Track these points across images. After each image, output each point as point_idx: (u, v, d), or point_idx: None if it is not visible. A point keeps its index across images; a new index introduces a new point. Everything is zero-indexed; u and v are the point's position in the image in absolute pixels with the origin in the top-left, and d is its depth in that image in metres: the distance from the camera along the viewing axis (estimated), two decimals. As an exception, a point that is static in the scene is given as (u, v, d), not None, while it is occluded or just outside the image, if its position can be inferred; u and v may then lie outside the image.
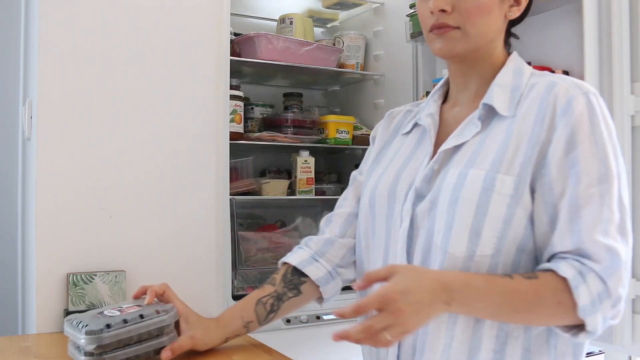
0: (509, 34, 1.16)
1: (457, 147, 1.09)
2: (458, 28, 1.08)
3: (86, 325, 1.14)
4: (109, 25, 1.61)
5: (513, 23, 1.15)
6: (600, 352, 2.19)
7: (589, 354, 2.22)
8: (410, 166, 1.16)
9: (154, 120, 1.67)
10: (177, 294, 1.73)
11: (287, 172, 2.31)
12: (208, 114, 1.76)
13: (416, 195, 1.10)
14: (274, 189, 2.11)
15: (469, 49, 1.10)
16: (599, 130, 0.99)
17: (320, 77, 2.39)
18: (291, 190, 2.19)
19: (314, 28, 2.38)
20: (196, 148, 1.74)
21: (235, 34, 2.08)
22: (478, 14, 1.08)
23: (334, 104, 2.61)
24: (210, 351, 1.37)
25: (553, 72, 1.36)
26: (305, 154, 2.18)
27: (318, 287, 1.27)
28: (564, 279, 0.93)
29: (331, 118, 2.24)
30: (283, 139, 2.14)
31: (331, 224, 1.31)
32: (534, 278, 0.96)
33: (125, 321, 1.16)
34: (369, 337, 0.92)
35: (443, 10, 1.07)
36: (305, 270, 1.27)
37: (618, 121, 1.28)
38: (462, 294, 0.95)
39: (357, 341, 0.93)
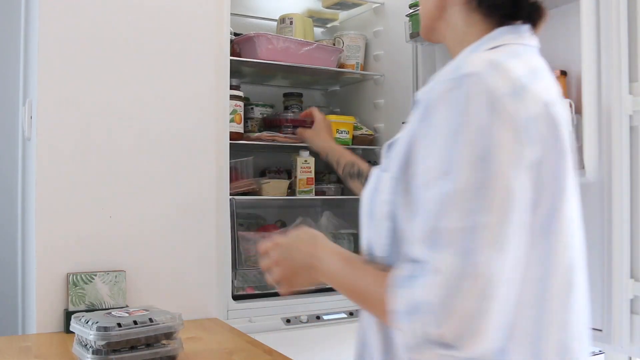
0: (495, 10, 0.99)
1: (392, 144, 1.01)
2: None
3: (96, 322, 1.14)
4: (109, 26, 1.62)
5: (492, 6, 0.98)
6: (600, 352, 2.19)
7: (588, 354, 2.22)
8: None
9: (153, 120, 1.67)
10: (177, 293, 1.74)
11: (287, 172, 2.31)
12: (208, 114, 1.76)
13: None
14: (274, 189, 2.11)
15: (426, 29, 1.09)
16: (451, 118, 0.83)
17: (320, 77, 2.39)
18: (291, 190, 2.18)
19: (314, 28, 2.38)
20: (196, 148, 1.74)
21: (236, 34, 2.08)
22: None
23: (334, 104, 2.61)
24: (210, 351, 1.38)
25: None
26: (305, 154, 2.18)
27: None
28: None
29: (331, 118, 2.24)
30: (283, 139, 2.14)
31: None
32: (380, 269, 0.91)
33: (135, 322, 1.17)
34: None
35: None
36: None
37: (616, 121, 1.28)
38: (326, 269, 0.98)
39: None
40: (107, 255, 1.58)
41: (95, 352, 1.14)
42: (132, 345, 1.17)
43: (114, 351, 1.14)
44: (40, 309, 1.51)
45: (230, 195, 1.83)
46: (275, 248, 1.06)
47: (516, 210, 0.81)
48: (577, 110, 1.34)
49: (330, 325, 1.91)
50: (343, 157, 1.68)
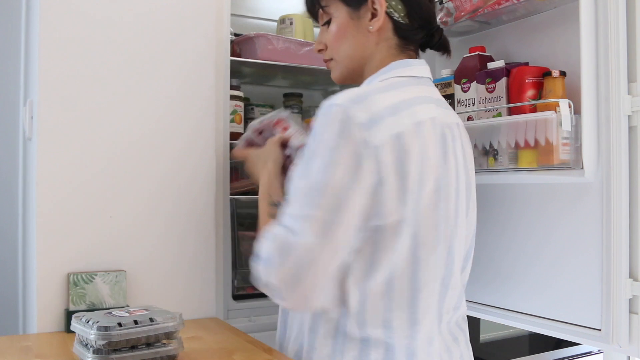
0: (411, 44, 1.25)
1: None
2: (331, 59, 1.29)
3: (97, 322, 1.15)
4: (109, 26, 1.62)
5: (416, 30, 1.23)
6: (599, 352, 2.19)
7: (588, 354, 2.23)
8: None
9: (154, 120, 1.68)
10: (177, 292, 1.75)
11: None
12: (208, 114, 1.77)
13: None
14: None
15: (345, 72, 1.28)
16: (320, 137, 1.08)
17: (320, 77, 2.39)
18: (291, 190, 2.19)
19: (314, 29, 2.38)
20: (196, 148, 1.74)
21: (236, 35, 2.09)
22: (335, 42, 1.26)
23: (334, 104, 2.61)
24: (210, 350, 1.38)
25: (550, 72, 1.37)
26: (305, 154, 2.18)
27: None
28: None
29: (331, 118, 2.24)
30: (283, 139, 2.15)
31: None
32: (273, 215, 1.22)
33: (136, 322, 1.17)
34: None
35: (320, 50, 1.31)
36: None
37: (615, 121, 1.28)
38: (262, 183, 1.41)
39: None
40: (108, 255, 1.58)
41: (96, 351, 1.14)
42: (132, 345, 1.17)
43: (115, 351, 1.15)
44: (41, 308, 1.51)
45: (230, 195, 1.84)
46: (248, 156, 1.54)
47: (345, 214, 1.05)
48: (576, 110, 1.34)
49: (330, 325, 1.91)
50: None
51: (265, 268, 1.09)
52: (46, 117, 1.54)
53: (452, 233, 1.19)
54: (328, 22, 1.28)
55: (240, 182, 2.06)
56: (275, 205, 1.22)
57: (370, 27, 1.21)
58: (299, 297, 1.07)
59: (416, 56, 1.27)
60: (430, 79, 1.26)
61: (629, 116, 1.29)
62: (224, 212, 1.81)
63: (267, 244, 1.10)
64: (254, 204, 2.28)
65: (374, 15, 1.20)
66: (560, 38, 1.44)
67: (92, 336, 1.14)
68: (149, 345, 1.19)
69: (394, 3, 1.20)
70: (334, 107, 1.08)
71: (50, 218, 1.54)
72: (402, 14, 1.21)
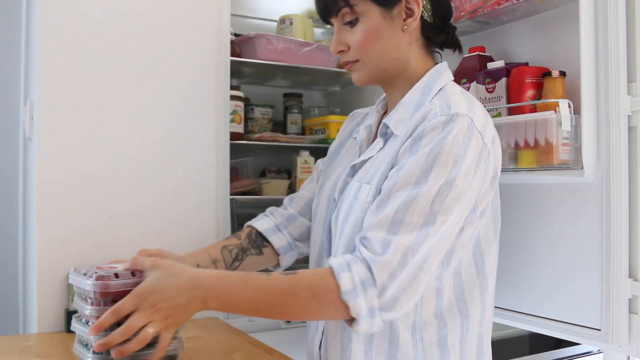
0: (434, 43, 1.24)
1: (364, 161, 1.20)
2: (357, 61, 1.23)
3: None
4: (109, 26, 1.62)
5: (439, 30, 1.23)
6: (599, 352, 2.20)
7: (587, 354, 2.23)
8: (340, 175, 1.28)
9: (154, 120, 1.68)
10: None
11: (287, 172, 2.31)
12: (208, 114, 1.77)
13: (334, 205, 1.23)
14: (274, 189, 2.12)
15: (375, 74, 1.23)
16: (442, 146, 1.04)
17: (320, 77, 2.39)
18: (291, 190, 2.19)
19: (314, 29, 2.38)
20: (196, 148, 1.75)
21: (236, 35, 2.09)
22: (367, 43, 1.19)
23: (334, 104, 2.61)
24: (210, 350, 1.38)
25: (550, 72, 1.37)
26: (305, 154, 2.18)
27: (278, 255, 1.41)
28: (332, 270, 1.01)
29: (332, 118, 2.25)
30: (283, 139, 2.15)
31: (293, 202, 1.48)
32: (292, 274, 1.02)
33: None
34: (131, 336, 0.97)
35: (342, 52, 1.24)
36: (270, 238, 1.41)
37: (615, 121, 1.29)
38: (216, 292, 1.02)
39: (123, 349, 0.97)
40: (108, 255, 1.58)
41: (96, 352, 1.14)
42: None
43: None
44: (41, 308, 1.51)
45: (230, 195, 1.84)
46: (142, 299, 0.99)
47: (462, 217, 1.07)
48: (576, 110, 1.34)
49: (330, 325, 1.92)
50: (197, 258, 1.36)
51: (379, 287, 0.99)
52: (46, 117, 1.54)
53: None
54: (351, 22, 1.20)
55: (240, 182, 2.06)
56: (268, 273, 1.05)
57: (406, 27, 1.18)
58: (408, 300, 1.02)
59: (440, 58, 1.29)
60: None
61: (628, 116, 1.29)
62: (224, 212, 1.81)
63: (374, 263, 1.00)
64: (254, 204, 2.29)
65: (408, 15, 1.17)
66: (560, 38, 1.44)
67: (92, 337, 1.14)
68: (149, 345, 1.19)
69: (424, 2, 1.19)
70: (458, 117, 1.07)
71: (50, 218, 1.54)
72: (429, 13, 1.20)
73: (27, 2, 1.69)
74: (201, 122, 1.76)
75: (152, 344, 1.20)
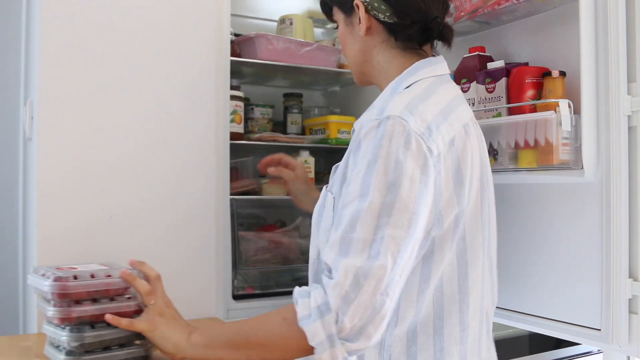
0: (409, 41, 1.19)
1: (337, 166, 1.18)
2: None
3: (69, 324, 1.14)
4: (109, 26, 1.62)
5: (405, 27, 1.17)
6: (599, 352, 2.19)
7: (587, 354, 2.23)
8: None
9: (154, 120, 1.68)
10: (177, 292, 1.74)
11: (288, 172, 2.31)
12: (208, 114, 1.77)
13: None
14: (274, 189, 2.12)
15: (359, 76, 1.28)
16: (377, 153, 0.99)
17: (320, 77, 2.39)
18: (291, 190, 2.19)
19: (314, 29, 2.38)
20: (196, 148, 1.75)
21: (236, 35, 2.09)
22: (342, 48, 1.28)
23: (334, 104, 2.61)
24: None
25: (550, 72, 1.37)
26: (305, 154, 2.18)
27: None
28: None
29: (332, 118, 2.25)
30: (283, 139, 2.15)
31: None
32: (265, 314, 1.04)
33: (109, 323, 1.16)
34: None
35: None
36: None
37: (614, 122, 1.28)
38: (202, 349, 1.09)
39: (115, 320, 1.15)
40: (108, 256, 1.58)
41: (68, 353, 1.13)
42: (105, 346, 1.16)
43: (87, 352, 1.13)
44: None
45: (230, 195, 1.84)
46: (144, 332, 1.17)
47: (417, 229, 0.98)
48: (576, 110, 1.34)
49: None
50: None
51: (335, 313, 0.93)
52: (46, 117, 1.54)
53: (490, 231, 1.18)
54: (336, 28, 1.30)
55: (240, 182, 2.06)
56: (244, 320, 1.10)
57: (360, 32, 1.19)
58: (376, 330, 0.95)
59: (428, 54, 1.21)
60: (450, 75, 1.24)
61: (628, 116, 1.29)
62: (224, 212, 1.81)
63: (327, 286, 0.95)
64: (254, 204, 2.29)
65: (360, 20, 1.19)
66: (560, 38, 1.44)
67: (65, 338, 1.12)
68: (121, 346, 1.18)
69: (376, 4, 1.16)
70: (389, 119, 1.01)
71: (50, 218, 1.54)
72: (387, 14, 1.16)
73: (27, 2, 1.69)
74: (201, 122, 1.76)
75: (124, 344, 1.19)
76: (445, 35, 1.21)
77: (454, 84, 1.23)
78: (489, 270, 1.18)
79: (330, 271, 0.97)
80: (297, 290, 1.00)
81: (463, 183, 1.07)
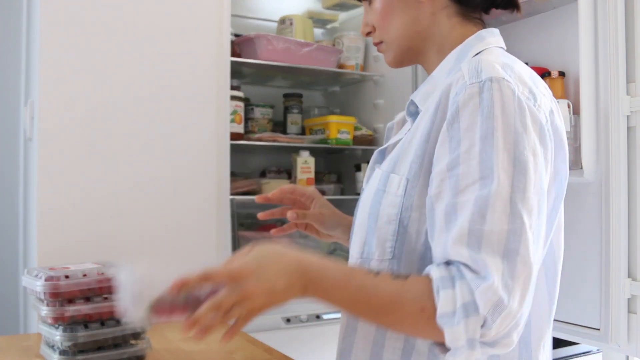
0: (472, 7, 1.02)
1: (393, 145, 1.01)
2: (382, 42, 1.06)
3: (63, 323, 1.13)
4: (110, 27, 1.62)
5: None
6: (598, 351, 2.20)
7: (586, 353, 2.23)
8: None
9: (154, 120, 1.68)
10: (177, 293, 1.73)
11: (287, 172, 2.31)
12: (208, 115, 1.77)
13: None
14: (274, 189, 2.12)
15: (400, 54, 1.05)
16: (492, 125, 0.83)
17: (320, 77, 2.39)
18: (291, 190, 2.19)
19: (314, 29, 2.39)
20: (197, 148, 1.75)
21: (236, 35, 2.09)
22: (383, 21, 1.04)
23: (334, 104, 2.61)
24: (210, 350, 1.38)
25: (549, 72, 1.37)
26: (305, 154, 2.18)
27: None
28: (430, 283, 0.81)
29: (332, 118, 2.25)
30: (283, 139, 2.15)
31: None
32: (401, 278, 0.84)
33: (102, 323, 1.16)
34: (219, 316, 0.81)
35: (369, 33, 1.07)
36: None
37: (614, 122, 1.29)
38: (317, 283, 0.84)
39: (208, 326, 0.81)
40: (108, 256, 1.58)
41: (62, 352, 1.12)
42: (99, 346, 1.16)
43: (81, 352, 1.13)
44: (42, 308, 1.52)
45: (230, 195, 1.84)
46: (240, 277, 0.82)
47: (544, 211, 0.84)
48: (575, 110, 1.34)
49: (329, 325, 1.92)
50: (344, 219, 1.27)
51: (482, 316, 0.77)
52: (47, 118, 1.55)
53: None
54: (369, 0, 1.07)
55: (241, 182, 2.06)
56: (375, 273, 0.85)
57: None
58: (518, 335, 0.81)
59: (484, 25, 1.04)
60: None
61: (627, 116, 1.29)
62: (224, 212, 1.81)
63: (468, 289, 0.79)
64: (254, 204, 2.29)
65: None
66: (559, 38, 1.45)
67: (58, 337, 1.12)
68: (116, 346, 1.18)
69: None
70: (494, 82, 0.84)
71: (50, 218, 1.54)
72: None
73: (28, 4, 1.69)
74: (201, 122, 1.76)
75: (118, 344, 1.18)
76: (511, 1, 1.04)
77: None
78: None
79: (468, 267, 0.80)
80: (438, 274, 0.81)
81: (563, 159, 0.91)
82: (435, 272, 0.81)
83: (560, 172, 0.91)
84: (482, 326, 0.78)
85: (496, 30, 1.02)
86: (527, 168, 0.82)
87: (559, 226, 0.98)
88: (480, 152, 0.82)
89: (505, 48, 1.01)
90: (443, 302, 0.79)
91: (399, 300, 0.82)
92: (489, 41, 0.98)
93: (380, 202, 0.94)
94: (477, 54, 0.95)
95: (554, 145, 0.88)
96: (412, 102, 0.99)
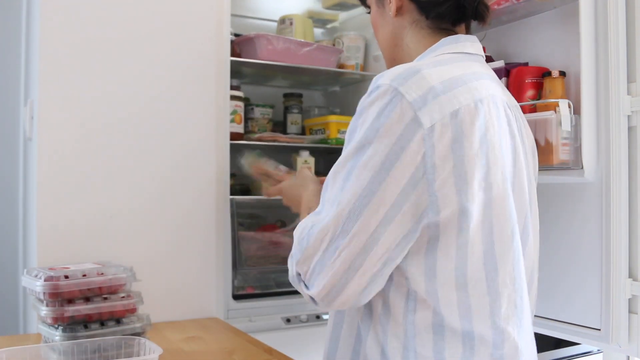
0: (440, 19, 1.09)
1: None
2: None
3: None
4: (109, 26, 1.62)
5: (436, 4, 1.08)
6: (599, 352, 2.19)
7: (587, 353, 2.23)
8: None
9: (154, 120, 1.68)
10: (177, 292, 1.75)
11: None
12: (208, 114, 1.77)
13: None
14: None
15: (389, 63, 1.18)
16: (359, 119, 0.96)
17: (320, 77, 2.39)
18: (291, 190, 2.19)
19: (314, 29, 2.39)
20: (197, 148, 1.75)
21: (236, 35, 2.09)
22: (375, 33, 1.21)
23: (334, 104, 2.61)
24: (210, 350, 1.38)
25: (550, 72, 1.37)
26: (305, 154, 2.18)
27: None
28: None
29: (332, 118, 2.25)
30: (283, 139, 2.15)
31: None
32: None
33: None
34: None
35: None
36: None
37: (614, 122, 1.29)
38: (299, 210, 1.24)
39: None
40: (108, 256, 1.58)
41: (62, 353, 1.13)
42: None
43: (81, 351, 1.12)
44: (41, 308, 1.52)
45: (230, 195, 1.84)
46: (281, 194, 1.38)
47: (374, 200, 0.92)
48: (576, 110, 1.34)
49: (330, 325, 1.92)
50: None
51: (292, 257, 1.01)
52: (46, 117, 1.55)
53: (525, 228, 1.06)
54: (370, 14, 1.23)
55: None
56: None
57: (390, 12, 1.11)
58: (322, 284, 0.95)
59: (461, 34, 1.11)
60: (483, 56, 1.12)
61: (628, 116, 1.29)
62: (224, 212, 1.81)
63: (299, 234, 1.01)
64: (254, 204, 2.30)
65: (389, 0, 1.11)
66: (560, 38, 1.44)
67: (58, 338, 1.13)
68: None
69: None
70: (381, 87, 0.94)
71: (50, 218, 1.54)
72: None
73: (28, 4, 1.69)
74: (201, 122, 1.76)
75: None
76: (481, 13, 1.10)
77: (484, 64, 1.11)
78: (520, 276, 1.04)
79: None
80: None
81: (464, 163, 0.94)
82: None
83: (463, 177, 0.94)
84: (297, 264, 0.98)
85: (464, 37, 1.10)
86: (361, 157, 0.93)
87: (501, 227, 0.99)
88: (346, 141, 1.00)
89: (477, 53, 1.09)
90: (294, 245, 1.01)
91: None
92: (445, 48, 1.07)
93: None
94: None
95: (444, 146, 0.92)
96: None
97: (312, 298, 0.97)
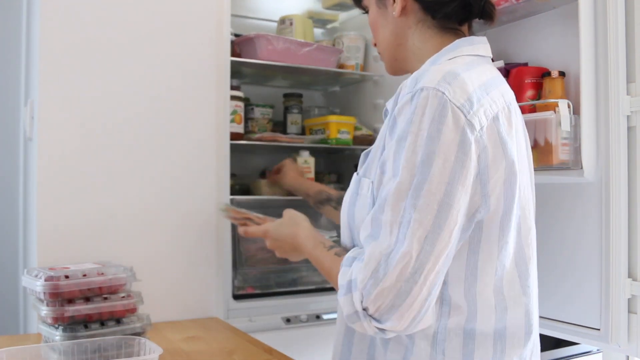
0: (446, 19, 1.10)
1: (370, 150, 1.12)
2: (380, 52, 1.20)
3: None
4: (110, 26, 1.63)
5: (442, 4, 1.08)
6: (599, 351, 2.19)
7: (587, 353, 2.23)
8: None
9: (154, 120, 1.68)
10: (177, 292, 1.75)
11: (287, 172, 2.31)
12: (208, 114, 1.77)
13: None
14: (274, 189, 2.12)
15: (391, 64, 1.18)
16: (409, 129, 0.93)
17: (320, 77, 2.39)
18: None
19: (314, 29, 2.38)
20: (197, 148, 1.75)
21: (236, 35, 2.09)
22: (374, 34, 1.19)
23: (334, 104, 2.61)
24: (210, 350, 1.38)
25: (549, 72, 1.37)
26: (305, 154, 2.18)
27: None
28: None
29: (332, 118, 2.25)
30: (283, 139, 2.15)
31: None
32: (339, 255, 1.05)
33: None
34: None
35: (375, 45, 1.21)
36: None
37: (614, 122, 1.29)
38: (300, 249, 1.19)
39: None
40: (108, 256, 1.58)
41: (62, 353, 1.13)
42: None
43: (81, 352, 1.13)
44: (42, 308, 1.52)
45: (230, 195, 1.84)
46: (265, 236, 1.33)
47: (451, 213, 0.91)
48: (576, 110, 1.34)
49: (330, 325, 1.92)
50: (311, 188, 1.83)
51: (360, 293, 0.92)
52: (46, 117, 1.55)
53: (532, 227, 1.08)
54: (367, 14, 1.22)
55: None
56: (335, 243, 1.11)
57: (394, 12, 1.11)
58: (405, 314, 0.90)
59: (466, 33, 1.13)
60: (491, 58, 1.14)
61: (627, 116, 1.29)
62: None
63: (357, 266, 0.94)
64: (254, 204, 2.30)
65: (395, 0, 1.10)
66: (559, 38, 1.45)
67: (58, 338, 1.13)
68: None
69: None
70: (425, 90, 0.93)
71: (50, 218, 1.54)
72: None
73: (28, 4, 1.69)
74: (202, 122, 1.76)
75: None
76: (488, 12, 1.11)
77: (494, 66, 1.14)
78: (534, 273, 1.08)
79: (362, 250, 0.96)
80: (350, 254, 0.99)
81: (506, 165, 0.97)
82: (351, 251, 0.99)
83: (505, 174, 0.97)
84: (361, 302, 0.91)
85: (478, 39, 1.10)
86: (429, 171, 0.90)
87: (527, 228, 1.03)
88: (395, 152, 0.94)
89: (488, 55, 1.10)
90: (340, 277, 0.96)
91: (330, 273, 1.05)
92: (463, 50, 1.06)
93: (354, 204, 1.07)
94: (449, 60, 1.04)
95: (493, 147, 0.95)
96: (386, 108, 1.10)
97: (383, 330, 0.93)
